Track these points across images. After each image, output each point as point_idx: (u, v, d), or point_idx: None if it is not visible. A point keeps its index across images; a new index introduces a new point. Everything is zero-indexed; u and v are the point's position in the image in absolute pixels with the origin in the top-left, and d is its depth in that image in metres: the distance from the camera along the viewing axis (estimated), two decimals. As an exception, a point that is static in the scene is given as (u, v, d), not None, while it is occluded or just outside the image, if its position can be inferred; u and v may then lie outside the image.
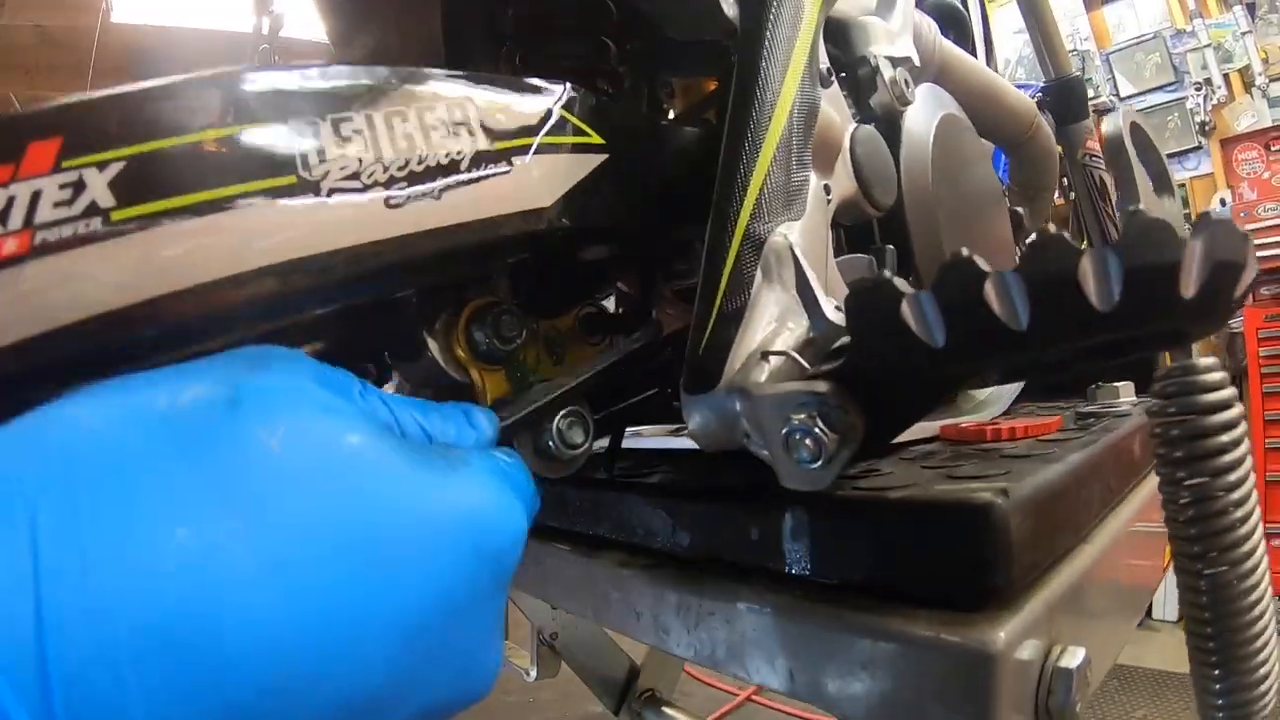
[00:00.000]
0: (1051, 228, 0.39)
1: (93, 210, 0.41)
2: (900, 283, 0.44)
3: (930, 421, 0.86)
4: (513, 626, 1.61)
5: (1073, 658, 0.51)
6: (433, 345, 0.67)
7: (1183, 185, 5.40)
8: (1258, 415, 4.43)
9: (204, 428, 0.37)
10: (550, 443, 0.65)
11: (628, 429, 0.95)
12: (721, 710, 3.29)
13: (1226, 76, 5.23)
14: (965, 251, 0.40)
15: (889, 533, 0.54)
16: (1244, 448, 0.49)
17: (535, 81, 0.64)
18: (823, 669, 0.55)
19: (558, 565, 0.85)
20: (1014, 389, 1.13)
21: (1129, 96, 5.57)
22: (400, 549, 0.39)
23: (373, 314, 0.66)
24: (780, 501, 0.59)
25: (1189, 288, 0.36)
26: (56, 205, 0.40)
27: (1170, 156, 5.31)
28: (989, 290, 0.39)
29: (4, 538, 0.30)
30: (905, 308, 0.43)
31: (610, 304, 0.91)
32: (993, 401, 1.08)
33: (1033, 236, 0.38)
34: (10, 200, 0.39)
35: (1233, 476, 0.49)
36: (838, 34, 0.89)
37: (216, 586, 0.33)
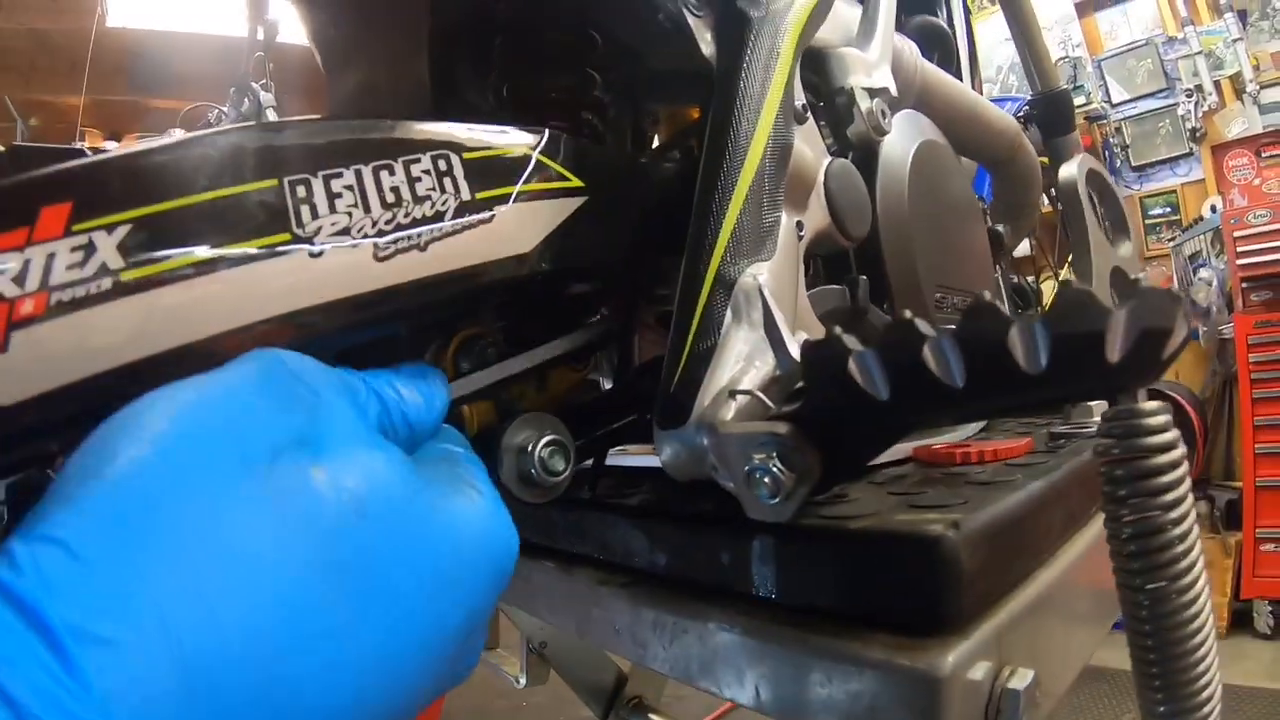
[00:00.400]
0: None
1: (103, 271, 0.44)
2: (849, 340, 0.47)
3: (905, 444, 0.88)
4: (503, 635, 1.64)
5: (1021, 679, 0.53)
6: (423, 376, 0.70)
7: (1173, 191, 5.43)
8: (1247, 421, 4.47)
9: (292, 490, 0.39)
10: (533, 470, 0.68)
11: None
12: (712, 716, 3.32)
13: (1218, 83, 5.27)
14: (908, 314, 0.43)
15: (849, 561, 0.57)
16: (1185, 486, 0.52)
17: (514, 128, 0.67)
18: (786, 687, 0.58)
19: (543, 581, 0.87)
20: (991, 408, 1.16)
21: (1121, 103, 5.60)
22: (449, 574, 0.43)
23: (365, 348, 0.69)
24: (749, 528, 0.62)
25: (1113, 354, 0.39)
26: (69, 268, 0.43)
27: (1161, 163, 5.36)
28: (927, 353, 0.42)
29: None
30: (852, 364, 0.46)
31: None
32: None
33: (970, 301, 0.41)
34: (26, 263, 0.41)
35: (1175, 514, 0.51)
36: (816, 64, 0.91)
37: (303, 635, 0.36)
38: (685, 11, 0.77)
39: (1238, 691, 3.74)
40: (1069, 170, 0.86)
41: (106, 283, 0.44)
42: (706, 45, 0.78)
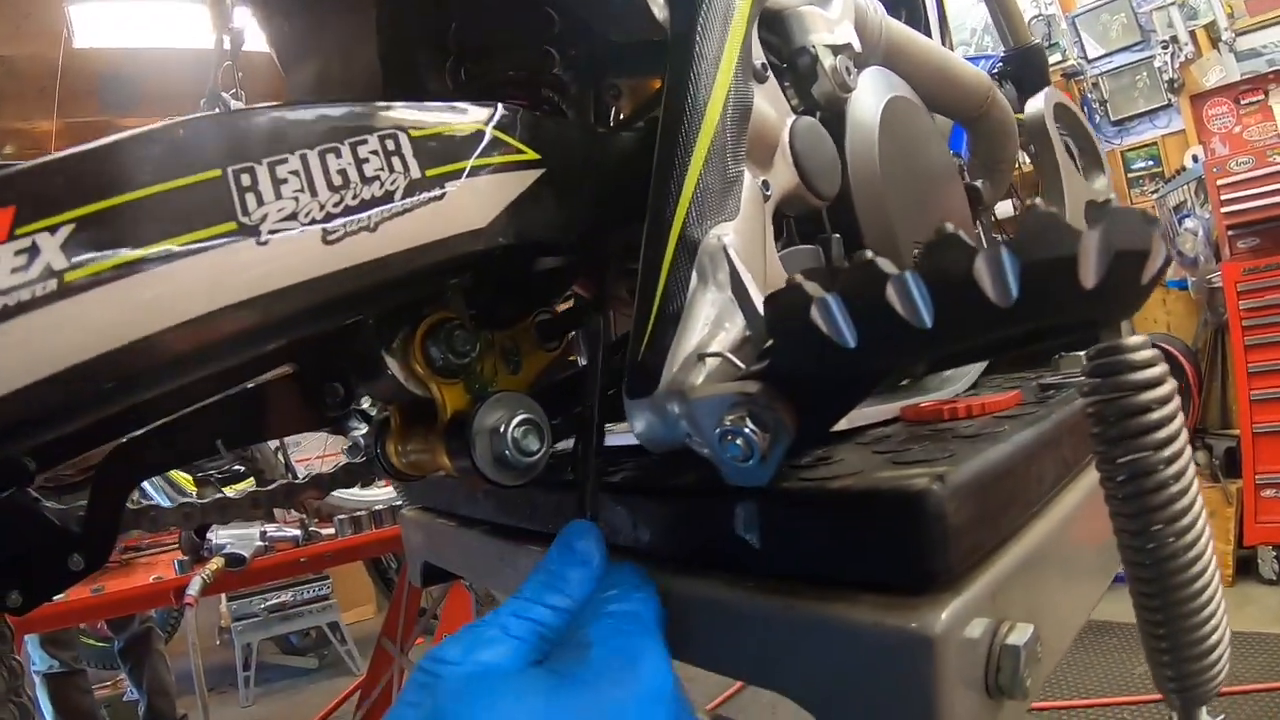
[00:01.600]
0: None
1: (48, 273, 0.43)
2: (811, 287, 0.45)
3: (891, 403, 0.87)
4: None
5: (1020, 635, 0.52)
6: (391, 364, 0.68)
7: (1154, 144, 5.42)
8: (1241, 368, 4.47)
9: None
10: (507, 451, 0.66)
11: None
12: (724, 694, 3.32)
13: (1193, 33, 5.25)
14: (869, 254, 0.41)
15: (832, 523, 0.55)
16: (1178, 423, 0.50)
17: (465, 105, 0.65)
18: (778, 657, 0.56)
19: (530, 566, 0.85)
20: (978, 366, 1.14)
21: (1096, 58, 5.58)
22: None
23: (334, 338, 0.68)
24: (730, 497, 0.60)
25: (1088, 279, 0.37)
26: (14, 271, 0.42)
27: (1140, 116, 5.35)
28: (891, 292, 0.40)
29: None
30: (815, 312, 0.44)
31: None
32: (957, 379, 1.09)
33: (931, 236, 0.39)
34: None
35: (1167, 452, 0.49)
36: (775, 25, 0.89)
37: None
38: None
39: (1245, 638, 3.75)
40: (1035, 104, 0.84)
41: (51, 284, 0.43)
42: (660, 9, 0.76)
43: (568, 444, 0.81)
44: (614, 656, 0.49)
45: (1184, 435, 0.50)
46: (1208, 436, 4.99)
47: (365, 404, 0.86)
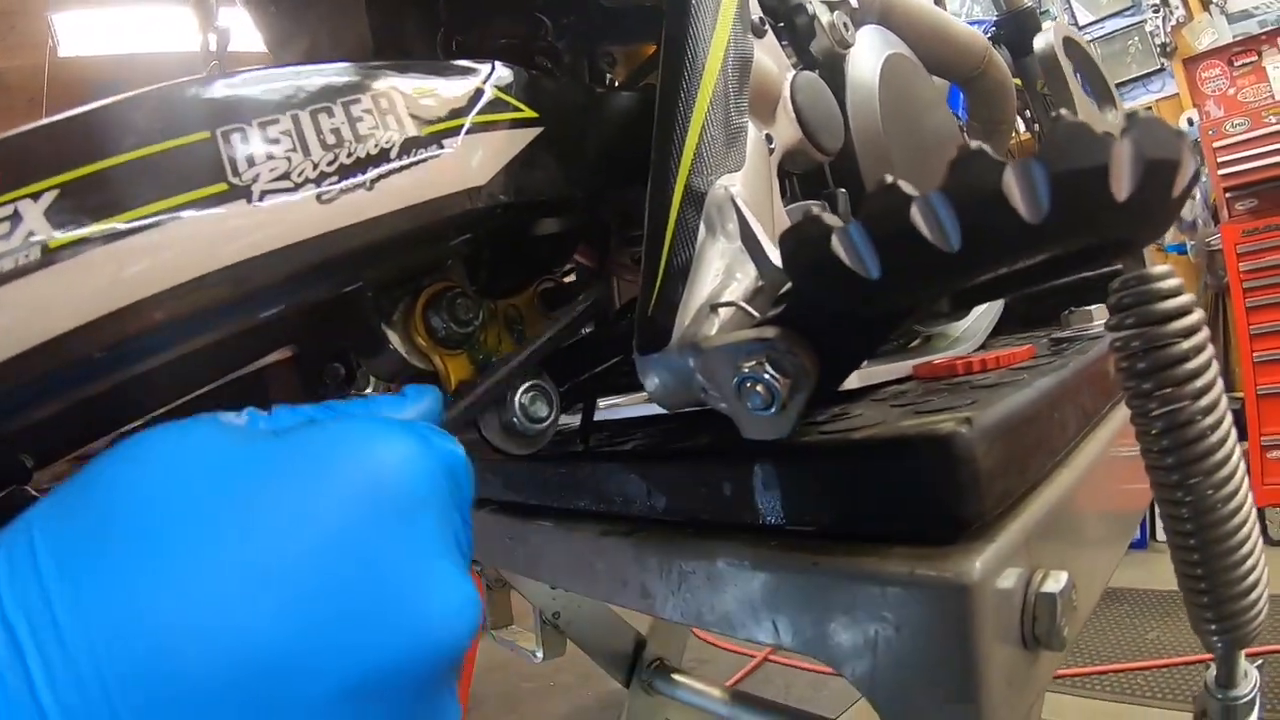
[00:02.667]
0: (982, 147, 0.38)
1: (31, 241, 0.41)
2: (830, 218, 0.43)
3: (903, 362, 0.85)
4: (517, 613, 1.62)
5: (1055, 582, 0.50)
6: (393, 336, 0.66)
7: (1149, 108, 5.39)
8: (1243, 330, 4.44)
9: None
10: (515, 419, 0.65)
11: (604, 400, 0.94)
12: (741, 673, 3.30)
13: (1183, -4, 5.23)
14: (889, 178, 0.39)
15: (856, 474, 0.53)
16: (1207, 354, 0.48)
17: (461, 63, 0.63)
18: (805, 619, 0.54)
19: (544, 542, 0.84)
20: (988, 324, 1.13)
21: (1087, 24, 5.56)
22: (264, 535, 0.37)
23: (333, 313, 0.66)
24: (748, 455, 0.58)
25: (1121, 190, 0.35)
26: None
27: (1134, 80, 5.32)
28: (916, 214, 0.38)
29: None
30: (836, 242, 0.42)
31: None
32: (967, 338, 1.07)
33: (953, 153, 0.37)
34: None
35: (1199, 383, 0.48)
36: (771, -18, 0.88)
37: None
38: None
39: (1259, 600, 3.73)
40: (1045, 38, 0.82)
41: (36, 252, 0.41)
42: (654, -36, 0.75)
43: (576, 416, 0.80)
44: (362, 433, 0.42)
45: (1214, 366, 0.49)
46: (1212, 400, 4.99)
47: (369, 390, 0.85)
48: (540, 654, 1.45)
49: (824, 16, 0.86)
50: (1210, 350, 0.48)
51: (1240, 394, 4.59)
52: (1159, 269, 0.48)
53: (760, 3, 0.82)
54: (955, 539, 0.49)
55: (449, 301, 0.66)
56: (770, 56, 0.76)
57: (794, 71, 0.79)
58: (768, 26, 0.78)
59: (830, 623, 0.52)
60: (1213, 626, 0.52)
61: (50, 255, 0.42)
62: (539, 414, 0.65)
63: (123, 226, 0.44)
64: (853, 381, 0.72)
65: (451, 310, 0.66)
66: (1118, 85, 5.40)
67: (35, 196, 0.42)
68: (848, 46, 0.89)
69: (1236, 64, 5.05)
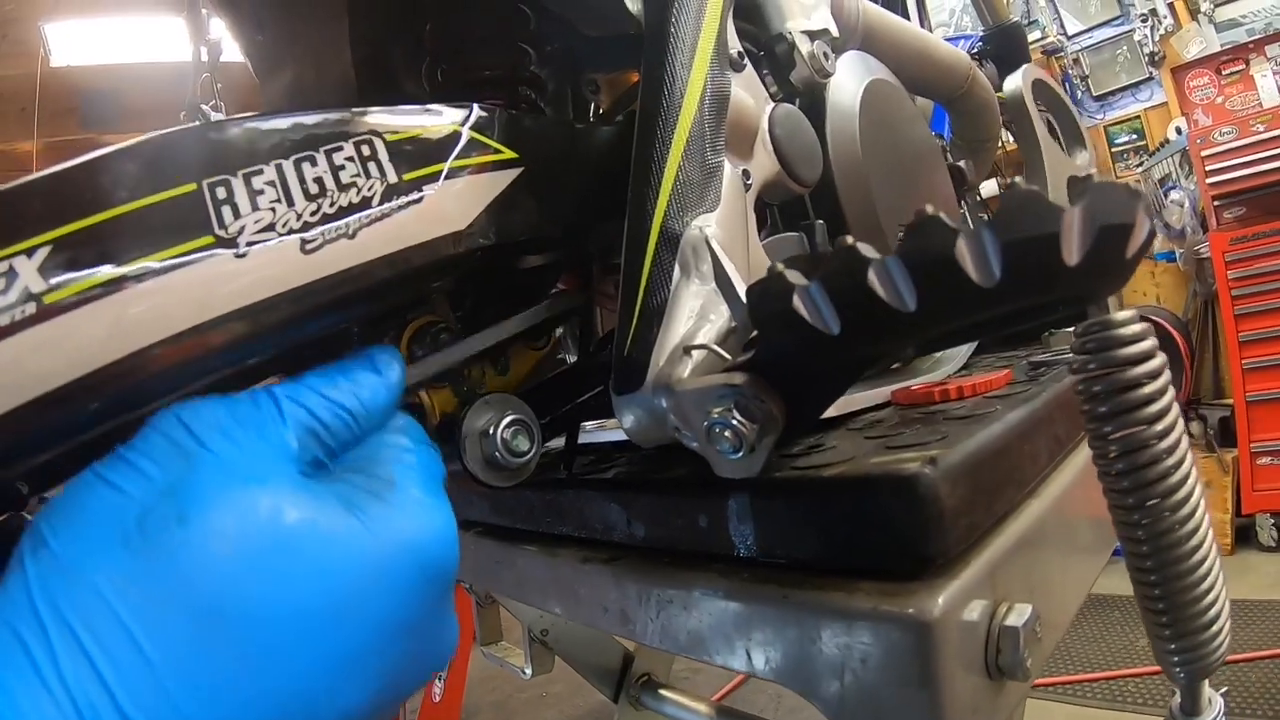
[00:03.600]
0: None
1: (26, 296, 0.42)
2: (793, 275, 0.44)
3: (882, 387, 0.87)
4: (505, 628, 1.63)
5: (1018, 616, 0.52)
6: (378, 370, 0.68)
7: (1137, 118, 5.43)
8: (1232, 338, 4.47)
9: (164, 551, 0.39)
10: (497, 453, 0.66)
11: (589, 423, 0.95)
12: (731, 685, 3.32)
13: (1172, 5, 5.25)
14: (849, 239, 0.41)
15: (825, 511, 0.55)
16: (1169, 398, 0.49)
17: (439, 107, 0.65)
18: (777, 648, 0.56)
19: (529, 567, 0.86)
20: (968, 346, 1.14)
21: (1077, 34, 5.59)
22: (353, 595, 0.42)
23: (320, 344, 0.67)
24: (723, 489, 0.60)
25: (1071, 256, 0.37)
26: None
27: (1122, 90, 5.35)
28: (872, 276, 0.40)
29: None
30: (797, 300, 0.43)
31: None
32: (948, 360, 1.09)
33: (911, 218, 0.38)
34: None
35: (1160, 426, 0.49)
36: (751, 12, 0.89)
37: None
38: None
39: (1247, 605, 3.75)
40: (1014, 81, 0.83)
41: (31, 307, 0.43)
42: (633, 2, 0.76)
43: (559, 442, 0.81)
44: (418, 508, 0.48)
45: (1175, 409, 0.50)
46: (1201, 407, 5.00)
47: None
48: (529, 670, 1.46)
49: (804, 47, 0.87)
50: (1172, 394, 0.49)
51: (1230, 401, 4.62)
52: (1122, 314, 0.49)
53: (740, 33, 0.83)
54: (920, 575, 0.50)
55: (433, 337, 0.68)
56: (748, 90, 0.77)
57: (772, 104, 0.81)
58: (746, 60, 0.79)
59: (801, 653, 0.54)
60: (1175, 659, 0.53)
61: (45, 310, 0.43)
62: (520, 448, 0.67)
63: (115, 281, 0.45)
64: (832, 409, 0.74)
65: (435, 345, 0.68)
66: (1107, 95, 5.46)
67: (29, 252, 0.43)
68: (828, 76, 0.90)
69: (1224, 73, 5.08)
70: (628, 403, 0.62)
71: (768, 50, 0.89)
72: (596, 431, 1.00)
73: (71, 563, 0.39)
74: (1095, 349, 0.48)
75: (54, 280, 0.43)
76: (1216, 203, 4.54)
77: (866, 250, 0.40)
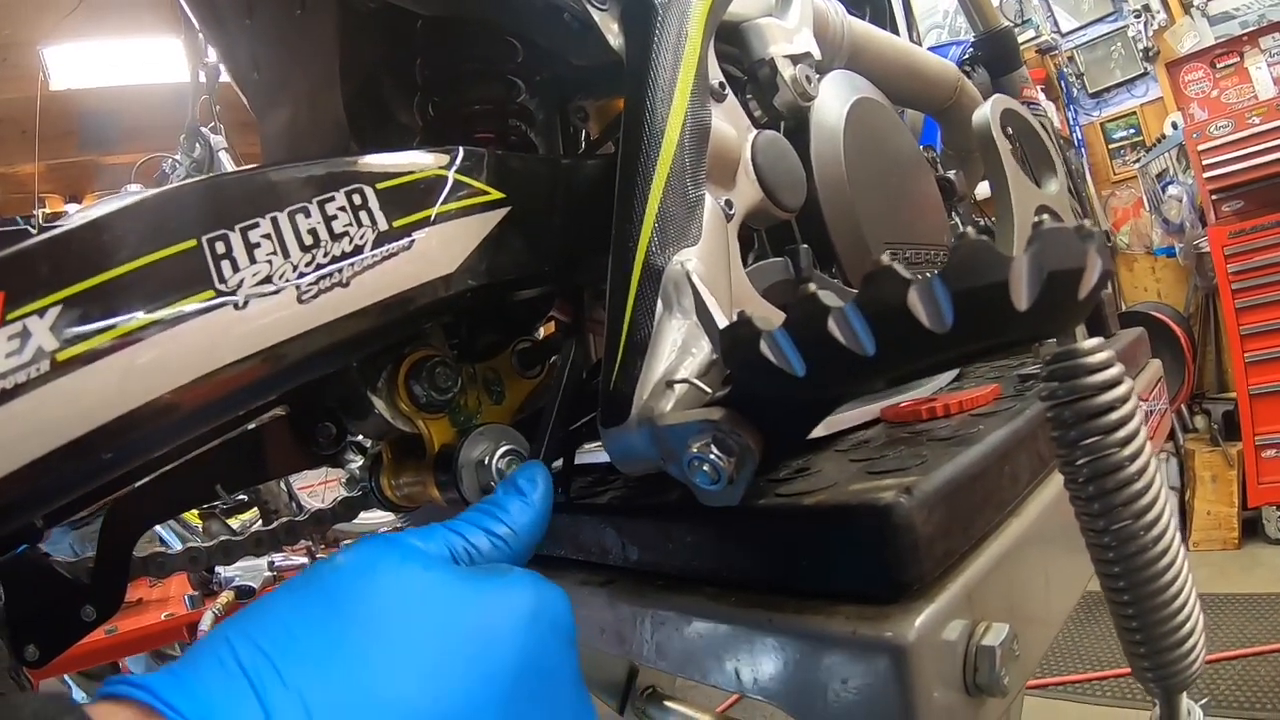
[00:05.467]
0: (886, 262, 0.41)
1: (40, 355, 0.45)
2: (759, 320, 0.46)
3: (873, 404, 0.88)
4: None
5: (995, 635, 0.53)
6: (378, 403, 0.70)
7: (1133, 113, 5.43)
8: (1234, 331, 4.47)
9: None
10: (492, 483, 0.68)
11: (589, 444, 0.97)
12: (732, 699, 3.32)
13: (1164, 0, 5.25)
14: (811, 288, 0.43)
15: (807, 538, 0.56)
16: (1135, 423, 0.51)
17: (427, 153, 0.67)
18: (763, 668, 0.57)
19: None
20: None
21: (1070, 31, 5.59)
22: (479, 643, 0.48)
23: (322, 380, 0.70)
24: (711, 514, 0.61)
25: (1021, 302, 0.39)
26: (8, 355, 0.44)
27: (1118, 86, 5.36)
28: (832, 324, 0.42)
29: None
30: (764, 345, 0.46)
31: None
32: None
33: (869, 268, 0.40)
34: None
35: (1127, 451, 0.50)
36: (734, 37, 0.91)
37: None
38: (590, 7, 0.77)
39: (1254, 599, 3.75)
40: (981, 113, 0.84)
41: (45, 365, 0.45)
42: (615, 38, 0.78)
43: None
44: (529, 580, 0.53)
45: (1144, 433, 0.51)
46: (1205, 401, 5.00)
47: (360, 436, 0.88)
48: (535, 685, 1.49)
49: (786, 71, 0.89)
50: (1139, 420, 0.51)
51: (1233, 394, 4.62)
52: (1089, 343, 0.50)
53: (724, 57, 0.85)
54: (898, 598, 0.52)
55: (429, 371, 0.70)
56: (730, 119, 0.79)
57: (755, 131, 0.82)
58: (728, 90, 0.81)
59: (786, 674, 0.56)
60: (1150, 675, 0.55)
61: (59, 368, 0.46)
62: (515, 478, 0.69)
63: (123, 337, 0.48)
64: (821, 429, 0.75)
65: (431, 379, 0.70)
66: (1102, 92, 5.47)
67: (41, 313, 0.46)
68: (811, 99, 0.92)
69: (1219, 66, 5.09)
70: (615, 435, 0.64)
71: (751, 75, 0.91)
72: (597, 451, 1.01)
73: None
74: (1063, 377, 0.50)
75: (65, 338, 0.46)
76: (1214, 197, 4.54)
77: (828, 299, 0.42)
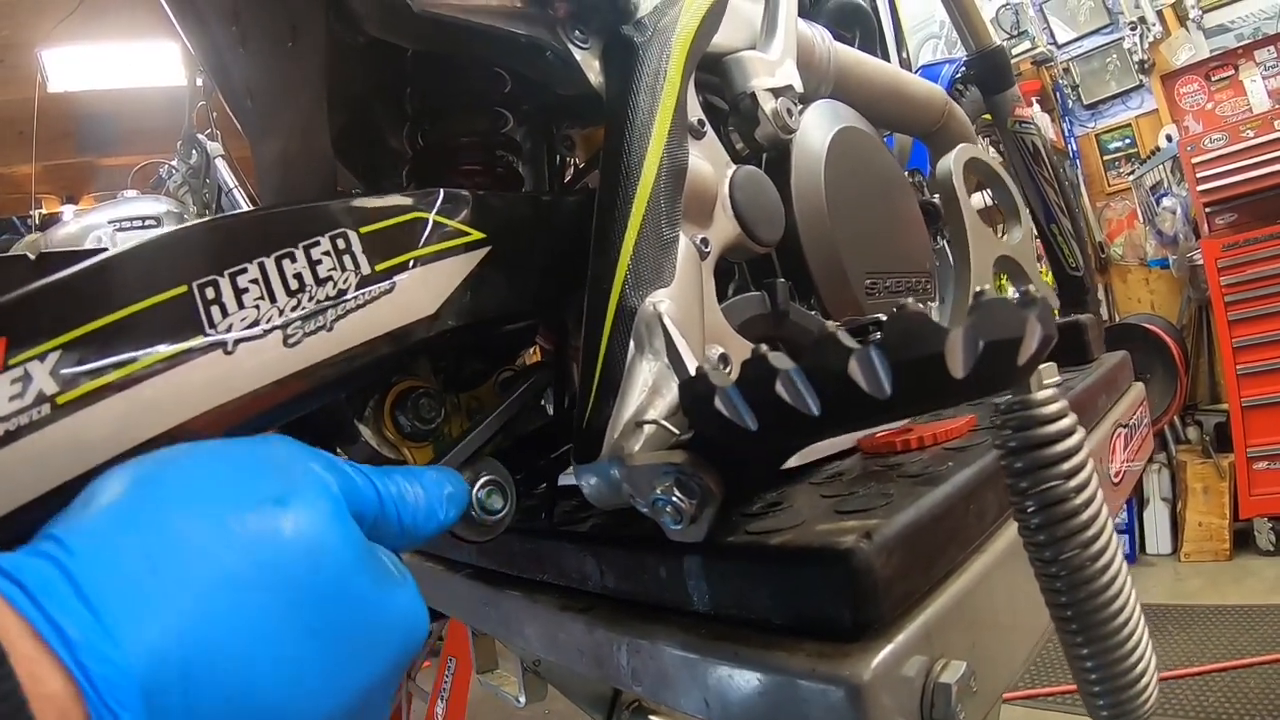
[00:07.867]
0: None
1: (41, 399, 0.47)
2: (717, 376, 0.49)
3: (850, 434, 0.89)
4: (501, 658, 1.66)
5: (952, 672, 0.55)
6: (364, 432, 0.72)
7: (1128, 125, 5.45)
8: (1226, 343, 4.49)
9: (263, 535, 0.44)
10: (472, 512, 0.70)
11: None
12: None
13: (1160, 13, 5.27)
14: (763, 348, 0.45)
15: (771, 576, 0.59)
16: (1087, 472, 0.53)
17: (409, 196, 0.68)
18: (729, 699, 0.59)
19: (512, 609, 0.89)
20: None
21: (1066, 43, 5.61)
22: (367, 640, 0.47)
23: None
24: (682, 547, 0.64)
25: (958, 370, 0.41)
26: (11, 399, 0.46)
27: (1113, 98, 5.37)
28: (780, 386, 0.44)
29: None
30: (718, 401, 0.48)
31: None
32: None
33: (817, 335, 0.42)
34: None
35: (1078, 500, 0.52)
36: (717, 70, 0.93)
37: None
38: (570, 46, 0.78)
39: (1245, 611, 3.77)
40: (945, 164, 0.86)
41: (45, 408, 0.47)
42: (595, 75, 0.80)
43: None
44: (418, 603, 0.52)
45: (1094, 481, 0.53)
46: (1197, 413, 5.02)
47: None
48: (523, 699, 1.51)
49: (767, 105, 0.90)
50: (1090, 468, 0.53)
51: (1225, 406, 4.64)
52: (1043, 394, 0.52)
53: (706, 87, 0.86)
54: (859, 637, 0.54)
55: (414, 402, 0.72)
56: (709, 156, 0.81)
57: (734, 167, 0.84)
58: (706, 127, 0.82)
59: (752, 705, 0.58)
60: (1104, 713, 0.57)
61: (59, 411, 0.48)
62: (494, 507, 0.71)
63: (118, 380, 0.50)
64: (797, 459, 0.77)
65: (416, 410, 0.72)
66: (1098, 103, 5.49)
67: (41, 357, 0.48)
68: (791, 132, 0.93)
69: (1214, 79, 5.11)
70: (587, 471, 0.66)
71: (733, 107, 0.92)
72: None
73: None
74: (1016, 427, 0.52)
75: (65, 382, 0.48)
76: (1208, 209, 4.56)
77: (776, 361, 0.45)
